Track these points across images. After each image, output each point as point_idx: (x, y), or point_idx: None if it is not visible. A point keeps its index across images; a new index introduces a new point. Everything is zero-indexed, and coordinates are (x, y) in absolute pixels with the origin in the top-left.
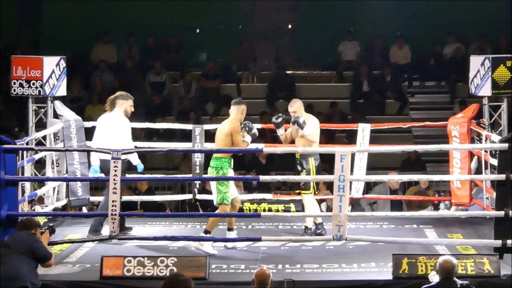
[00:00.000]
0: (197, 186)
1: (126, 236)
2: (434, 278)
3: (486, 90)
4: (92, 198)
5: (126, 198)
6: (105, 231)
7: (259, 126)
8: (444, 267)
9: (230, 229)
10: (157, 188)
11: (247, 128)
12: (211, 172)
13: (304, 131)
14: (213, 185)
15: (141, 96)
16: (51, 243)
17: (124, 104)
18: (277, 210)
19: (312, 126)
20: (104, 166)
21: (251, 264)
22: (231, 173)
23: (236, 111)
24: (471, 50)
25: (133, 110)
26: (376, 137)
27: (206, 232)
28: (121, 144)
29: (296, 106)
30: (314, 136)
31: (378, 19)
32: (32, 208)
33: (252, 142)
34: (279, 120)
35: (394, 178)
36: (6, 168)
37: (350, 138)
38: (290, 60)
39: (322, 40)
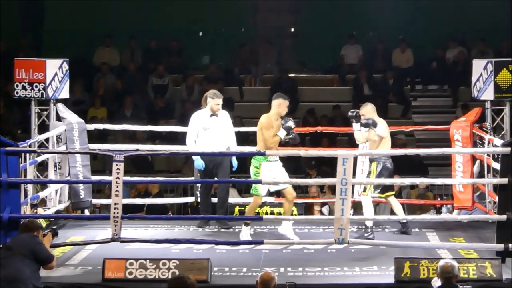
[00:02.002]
0: (200, 189)
1: (128, 239)
2: (437, 283)
3: (488, 94)
4: (95, 201)
5: (129, 201)
6: (107, 234)
7: None
8: (443, 269)
9: (246, 224)
10: (159, 191)
11: (282, 122)
12: (251, 165)
13: (377, 130)
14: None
15: (144, 99)
16: (54, 245)
17: (211, 102)
18: (279, 213)
19: (382, 126)
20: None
21: (253, 267)
22: (266, 166)
23: (272, 106)
24: (473, 54)
25: (219, 108)
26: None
27: (245, 224)
28: (204, 139)
29: (364, 110)
30: (386, 135)
31: (381, 23)
32: (35, 211)
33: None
34: (354, 113)
35: (396, 181)
36: (9, 171)
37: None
38: (292, 64)
39: (324, 44)
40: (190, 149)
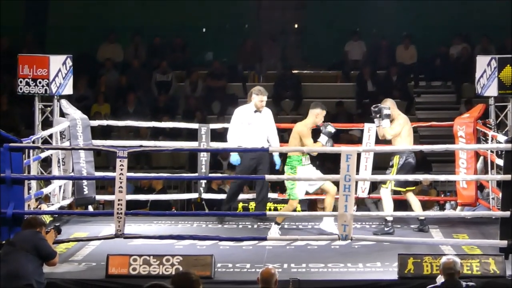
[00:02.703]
0: (203, 185)
1: (132, 235)
2: (441, 280)
3: (492, 90)
4: (98, 197)
5: (134, 197)
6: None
7: None
8: (445, 266)
9: (277, 223)
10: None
11: (322, 128)
12: (285, 170)
13: (382, 123)
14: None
15: (147, 95)
16: (57, 242)
17: (255, 98)
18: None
19: (396, 123)
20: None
21: (257, 263)
22: (301, 170)
23: (310, 114)
24: (477, 51)
25: (263, 105)
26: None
27: (276, 223)
28: (247, 134)
29: (384, 105)
30: (395, 132)
31: (384, 19)
32: (38, 207)
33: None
34: (376, 108)
35: (400, 178)
36: (13, 167)
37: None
38: (296, 60)
39: (328, 40)
40: (231, 144)
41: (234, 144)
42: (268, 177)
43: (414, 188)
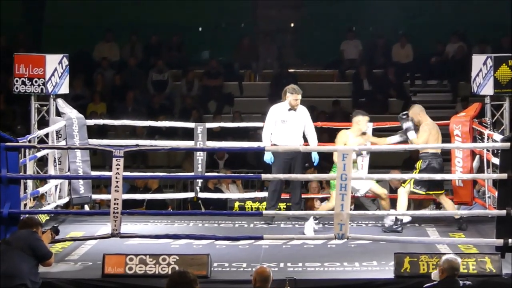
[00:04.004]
0: (199, 185)
1: (128, 234)
2: (436, 277)
3: (488, 89)
4: (94, 196)
5: (130, 196)
6: (107, 229)
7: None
8: (452, 265)
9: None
10: (159, 186)
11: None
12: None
13: (408, 135)
14: None
15: (144, 94)
16: (53, 241)
17: (290, 97)
18: (279, 209)
19: (421, 130)
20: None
21: (253, 263)
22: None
23: (353, 123)
24: (473, 49)
25: (298, 103)
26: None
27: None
28: (281, 132)
29: (411, 111)
30: (422, 141)
31: (380, 18)
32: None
33: None
34: (404, 117)
35: (396, 177)
36: (9, 166)
37: None
38: (292, 59)
39: (324, 39)
40: (265, 141)
41: (267, 142)
42: (264, 176)
43: (442, 192)
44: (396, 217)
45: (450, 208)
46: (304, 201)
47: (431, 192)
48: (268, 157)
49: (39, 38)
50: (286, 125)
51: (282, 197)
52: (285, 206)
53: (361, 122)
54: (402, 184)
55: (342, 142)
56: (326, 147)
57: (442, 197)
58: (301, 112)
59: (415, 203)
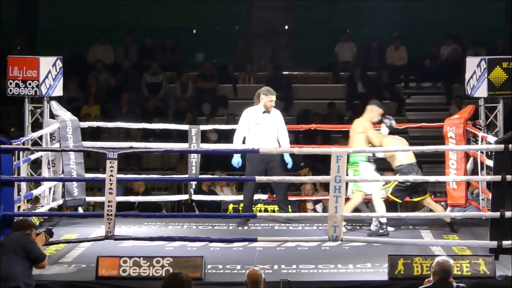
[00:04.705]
0: (193, 187)
1: (122, 237)
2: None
3: (482, 91)
4: (88, 198)
5: (123, 198)
6: (100, 231)
7: None
8: (444, 267)
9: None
10: (153, 188)
11: (386, 120)
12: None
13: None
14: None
15: (138, 96)
16: (47, 244)
17: (264, 99)
18: (273, 211)
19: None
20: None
21: (247, 265)
22: (364, 166)
23: (366, 111)
24: (467, 52)
25: (273, 105)
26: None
27: None
28: (255, 135)
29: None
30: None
31: (375, 20)
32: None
33: None
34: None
35: (390, 179)
36: (2, 168)
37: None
38: (286, 61)
39: (318, 41)
40: (236, 145)
41: (238, 145)
42: (258, 178)
43: (423, 197)
44: (379, 221)
45: (439, 211)
46: (298, 204)
47: (415, 199)
48: (236, 161)
49: (33, 40)
50: (260, 128)
51: (269, 199)
52: (265, 208)
53: (374, 112)
54: (381, 187)
55: (361, 130)
56: (320, 149)
57: (427, 201)
58: (274, 115)
59: (409, 205)
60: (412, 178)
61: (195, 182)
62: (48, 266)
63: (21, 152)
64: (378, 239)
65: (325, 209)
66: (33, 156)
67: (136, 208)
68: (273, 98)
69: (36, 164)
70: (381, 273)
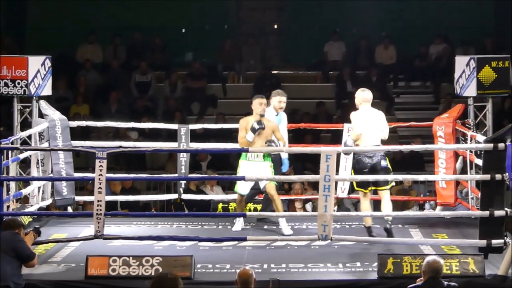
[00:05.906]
0: (183, 186)
1: (111, 236)
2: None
3: (471, 91)
4: (77, 198)
5: (110, 198)
6: (90, 231)
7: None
8: (433, 266)
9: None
10: (142, 188)
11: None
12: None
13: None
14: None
15: (127, 96)
16: (36, 243)
17: (272, 101)
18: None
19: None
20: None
21: (237, 264)
22: (243, 165)
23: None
24: (456, 51)
25: (282, 106)
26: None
27: None
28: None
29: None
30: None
31: (364, 19)
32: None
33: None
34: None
35: (379, 178)
36: None
37: (336, 138)
38: (276, 60)
39: (308, 40)
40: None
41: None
42: (248, 177)
43: (365, 190)
44: (363, 225)
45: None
46: (287, 203)
47: (372, 189)
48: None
49: (22, 40)
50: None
51: (259, 198)
52: (255, 207)
53: (255, 105)
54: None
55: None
56: (310, 148)
57: (384, 193)
58: (283, 117)
59: (399, 204)
60: (402, 177)
61: (184, 182)
62: (38, 265)
63: (10, 152)
64: (367, 238)
65: (314, 208)
66: (22, 156)
67: (121, 208)
68: (283, 99)
69: (25, 164)
70: (371, 272)
